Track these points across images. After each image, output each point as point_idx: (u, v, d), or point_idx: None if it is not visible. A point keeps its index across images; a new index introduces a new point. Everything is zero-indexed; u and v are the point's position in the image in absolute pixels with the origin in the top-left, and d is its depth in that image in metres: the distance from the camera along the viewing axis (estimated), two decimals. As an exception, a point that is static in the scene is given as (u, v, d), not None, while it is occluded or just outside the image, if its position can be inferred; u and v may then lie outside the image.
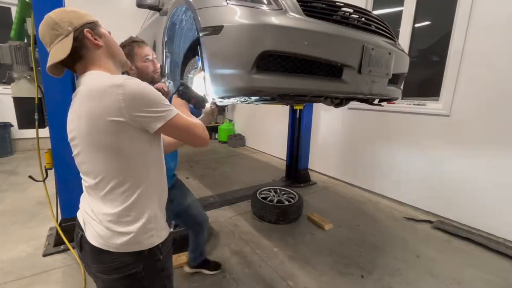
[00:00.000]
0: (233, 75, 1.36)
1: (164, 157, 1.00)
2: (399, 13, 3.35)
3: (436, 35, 3.22)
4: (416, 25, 3.26)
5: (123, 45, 1.35)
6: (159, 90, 1.17)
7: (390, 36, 1.84)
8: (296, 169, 4.05)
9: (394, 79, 1.91)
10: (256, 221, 2.84)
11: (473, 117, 2.71)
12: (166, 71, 2.00)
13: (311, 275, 2.03)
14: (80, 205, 0.95)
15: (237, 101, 1.73)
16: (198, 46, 1.45)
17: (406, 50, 3.29)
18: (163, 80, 1.93)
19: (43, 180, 2.21)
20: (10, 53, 2.14)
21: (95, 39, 0.88)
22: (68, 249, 2.15)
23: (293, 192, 3.15)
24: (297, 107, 3.83)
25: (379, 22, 1.78)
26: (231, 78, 1.38)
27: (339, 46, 1.45)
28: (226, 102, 1.65)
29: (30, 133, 4.94)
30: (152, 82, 1.43)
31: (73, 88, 2.15)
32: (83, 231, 0.90)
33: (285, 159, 4.29)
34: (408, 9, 3.26)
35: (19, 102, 2.14)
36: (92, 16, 0.91)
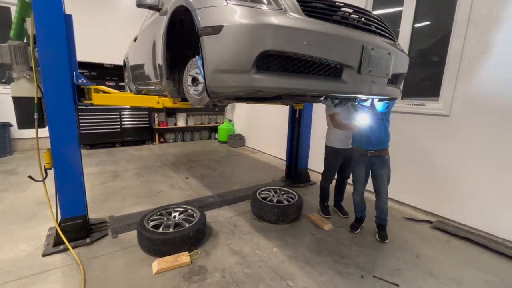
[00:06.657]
0: (232, 75, 1.36)
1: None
2: (399, 13, 3.35)
3: (436, 35, 3.23)
4: (416, 25, 3.26)
5: None
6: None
7: (390, 36, 1.84)
8: (296, 169, 4.05)
9: (394, 79, 1.91)
10: (256, 221, 2.84)
11: (473, 117, 2.71)
12: (166, 71, 2.00)
13: (310, 275, 2.03)
14: None
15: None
16: (199, 45, 1.45)
17: (406, 50, 3.29)
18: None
19: (43, 180, 2.21)
20: (9, 52, 2.14)
21: None
22: (68, 249, 2.15)
23: (293, 192, 3.15)
24: (297, 107, 3.83)
25: (379, 22, 1.78)
26: (231, 77, 1.38)
27: (339, 46, 1.45)
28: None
29: (29, 133, 4.99)
30: None
31: (73, 88, 2.15)
32: None
33: (285, 159, 4.29)
34: (408, 9, 3.26)
35: (18, 102, 2.13)
36: None
